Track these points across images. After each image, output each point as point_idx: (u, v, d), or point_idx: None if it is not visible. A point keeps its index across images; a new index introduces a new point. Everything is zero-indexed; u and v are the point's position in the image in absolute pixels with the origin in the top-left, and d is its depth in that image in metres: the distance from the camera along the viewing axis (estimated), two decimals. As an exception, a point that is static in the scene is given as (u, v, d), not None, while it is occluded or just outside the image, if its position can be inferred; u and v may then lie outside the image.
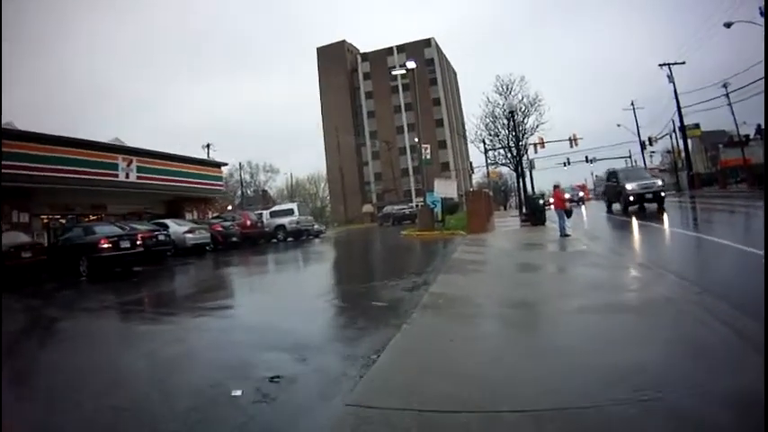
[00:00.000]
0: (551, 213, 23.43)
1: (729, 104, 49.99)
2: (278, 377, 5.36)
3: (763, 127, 54.76)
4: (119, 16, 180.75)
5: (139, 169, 32.58)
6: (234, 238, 30.13)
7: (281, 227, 36.52)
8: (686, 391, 4.08)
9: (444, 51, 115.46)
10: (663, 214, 22.73)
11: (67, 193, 28.97)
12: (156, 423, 4.58)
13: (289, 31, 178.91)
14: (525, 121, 35.03)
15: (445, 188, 27.29)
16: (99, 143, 31.39)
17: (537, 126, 35.19)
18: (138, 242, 19.96)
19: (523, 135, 34.56)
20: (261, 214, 38.18)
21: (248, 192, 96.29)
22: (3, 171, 20.73)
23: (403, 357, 5.86)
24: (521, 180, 33.75)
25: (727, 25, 37.02)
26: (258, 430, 4.30)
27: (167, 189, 35.67)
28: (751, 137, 52.90)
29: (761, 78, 37.07)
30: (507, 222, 30.97)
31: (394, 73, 30.45)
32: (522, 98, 34.80)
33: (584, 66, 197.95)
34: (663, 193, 26.53)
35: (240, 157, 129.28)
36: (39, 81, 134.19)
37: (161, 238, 23.25)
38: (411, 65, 29.69)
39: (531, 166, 43.77)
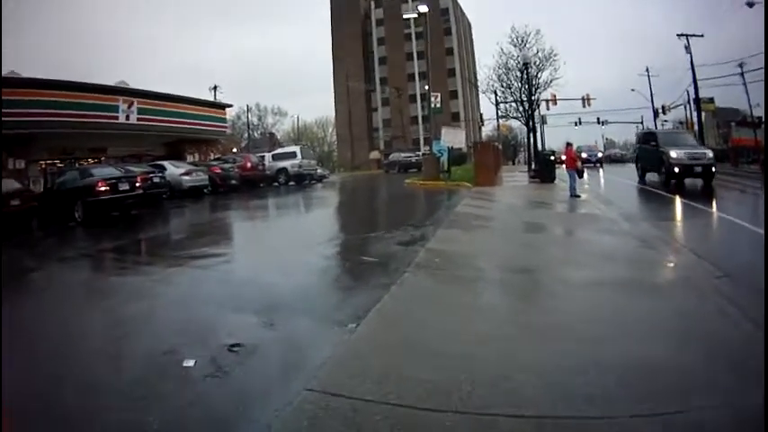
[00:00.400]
0: (561, 172, 22.55)
1: (744, 84, 49.96)
2: (238, 345, 4.69)
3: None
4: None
5: (140, 111, 32.09)
6: (233, 181, 28.90)
7: (283, 170, 34.95)
8: (709, 401, 3.42)
9: (460, 1, 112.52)
10: (711, 195, 18.07)
11: (66, 138, 28.58)
12: (91, 399, 3.93)
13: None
14: (539, 75, 33.98)
15: (453, 137, 26.18)
16: (98, 85, 30.72)
17: (551, 81, 34.15)
18: (138, 184, 18.97)
19: (536, 89, 33.50)
20: (263, 157, 36.92)
21: (255, 134, 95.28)
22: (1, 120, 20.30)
23: (385, 329, 5.14)
24: (531, 135, 32.65)
25: (750, 4, 35.47)
26: (200, 414, 3.64)
27: (169, 131, 35.00)
28: (764, 119, 49.57)
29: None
30: (515, 177, 30.01)
31: (405, 17, 28.81)
32: (537, 51, 33.68)
33: (600, 27, 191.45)
34: (713, 168, 20.60)
35: (249, 100, 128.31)
36: (44, 28, 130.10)
37: (156, 180, 22.33)
38: (423, 8, 28.13)
39: (543, 122, 42.72)
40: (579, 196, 17.30)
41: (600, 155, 48.98)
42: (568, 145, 20.79)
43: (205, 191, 26.94)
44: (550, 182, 23.38)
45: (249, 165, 32.46)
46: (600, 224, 11.82)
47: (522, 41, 33.13)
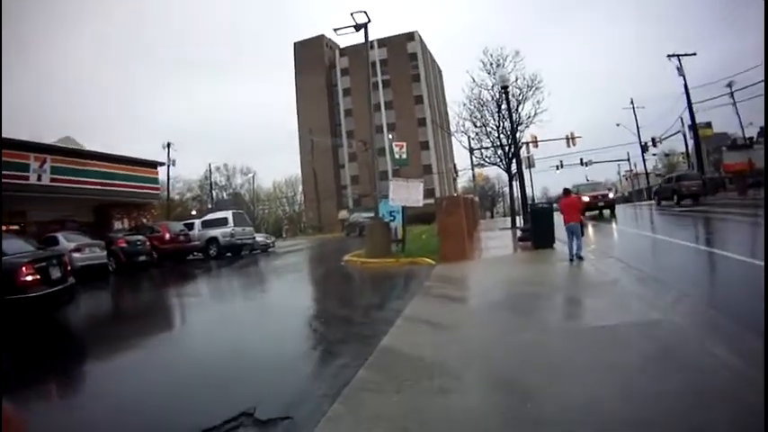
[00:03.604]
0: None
1: (734, 104, 47.37)
2: None
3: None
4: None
5: (54, 170, 27.06)
6: (142, 257, 24.43)
7: (214, 240, 30.09)
8: None
9: (430, 48, 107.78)
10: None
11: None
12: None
13: (272, 26, 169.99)
14: (520, 107, 27.74)
15: (405, 194, 18.49)
16: (5, 140, 24.37)
17: (534, 115, 27.90)
18: (69, 268, 11.97)
19: (518, 125, 27.02)
20: (191, 224, 31.78)
21: (224, 195, 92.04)
22: None
23: None
24: (516, 182, 25.60)
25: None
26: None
27: (89, 193, 29.66)
28: (755, 139, 49.73)
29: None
30: (497, 240, 22.75)
31: (339, 33, 21.92)
32: (516, 79, 27.38)
33: (580, 63, 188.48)
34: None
35: (217, 160, 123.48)
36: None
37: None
38: (362, 18, 20.73)
39: (530, 165, 36.09)
40: (582, 258, 12.58)
41: (611, 195, 34.97)
42: (567, 192, 14.59)
43: (111, 268, 22.71)
44: (548, 247, 16.13)
45: (168, 236, 27.93)
46: (678, 357, 5.01)
47: (498, 66, 26.96)
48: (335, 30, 21.33)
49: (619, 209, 34.88)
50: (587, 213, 27.78)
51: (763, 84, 37.31)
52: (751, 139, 49.24)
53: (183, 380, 6.66)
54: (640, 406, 4.15)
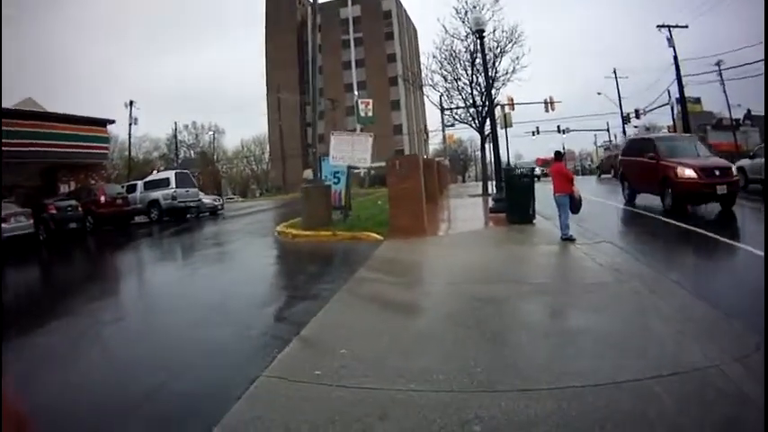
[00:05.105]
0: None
1: (722, 82, 46.42)
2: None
3: (753, 112, 51.21)
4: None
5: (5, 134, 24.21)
6: (73, 224, 22.60)
7: (155, 203, 27.91)
8: None
9: (406, 6, 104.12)
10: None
11: None
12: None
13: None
14: (497, 62, 24.66)
15: (349, 150, 15.02)
16: None
17: (512, 71, 24.88)
18: None
19: (493, 81, 23.92)
20: (134, 186, 29.65)
21: (191, 154, 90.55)
22: None
23: None
24: (491, 143, 22.38)
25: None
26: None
27: (35, 156, 26.99)
28: (741, 121, 49.19)
29: (756, 61, 35.84)
30: (466, 209, 19.82)
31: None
32: (494, 30, 24.23)
33: (563, 28, 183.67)
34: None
35: (188, 118, 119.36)
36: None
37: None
38: None
39: (506, 124, 32.99)
40: (573, 239, 10.30)
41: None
42: (558, 156, 11.74)
43: (41, 237, 20.70)
44: (527, 222, 13.14)
45: (103, 199, 25.44)
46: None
47: (474, 8, 23.97)
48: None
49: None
50: (689, 207, 15.04)
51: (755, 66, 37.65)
52: (737, 120, 48.34)
53: None
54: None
